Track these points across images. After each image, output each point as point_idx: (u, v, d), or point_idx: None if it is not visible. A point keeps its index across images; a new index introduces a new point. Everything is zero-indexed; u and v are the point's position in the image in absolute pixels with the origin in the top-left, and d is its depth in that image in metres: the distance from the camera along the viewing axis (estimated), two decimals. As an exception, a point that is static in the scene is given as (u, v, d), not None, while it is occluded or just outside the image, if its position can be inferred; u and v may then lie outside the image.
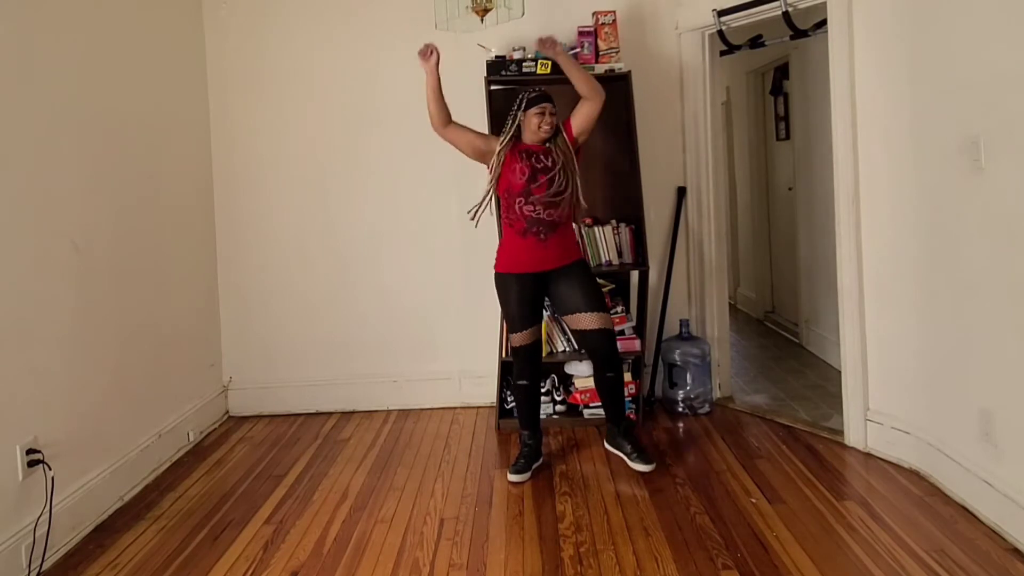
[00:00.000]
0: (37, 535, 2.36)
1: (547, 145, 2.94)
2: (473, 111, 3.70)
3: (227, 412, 3.94)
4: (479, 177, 3.16)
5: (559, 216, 2.91)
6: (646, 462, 2.91)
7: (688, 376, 3.65)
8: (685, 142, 3.84)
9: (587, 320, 2.93)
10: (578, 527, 2.52)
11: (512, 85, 3.68)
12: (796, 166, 4.81)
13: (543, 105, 2.89)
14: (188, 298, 3.61)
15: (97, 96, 2.91)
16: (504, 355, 3.52)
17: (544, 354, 3.27)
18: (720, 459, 3.07)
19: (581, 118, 2.97)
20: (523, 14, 3.14)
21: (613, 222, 3.64)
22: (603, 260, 3.59)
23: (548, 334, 3.56)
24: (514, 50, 3.59)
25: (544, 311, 3.20)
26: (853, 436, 3.13)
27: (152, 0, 3.40)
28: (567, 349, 3.59)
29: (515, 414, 3.24)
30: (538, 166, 2.89)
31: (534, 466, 3.01)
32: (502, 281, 3.01)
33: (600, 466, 3.03)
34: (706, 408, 3.66)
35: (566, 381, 3.70)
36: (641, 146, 3.58)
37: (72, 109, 2.74)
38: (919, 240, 2.77)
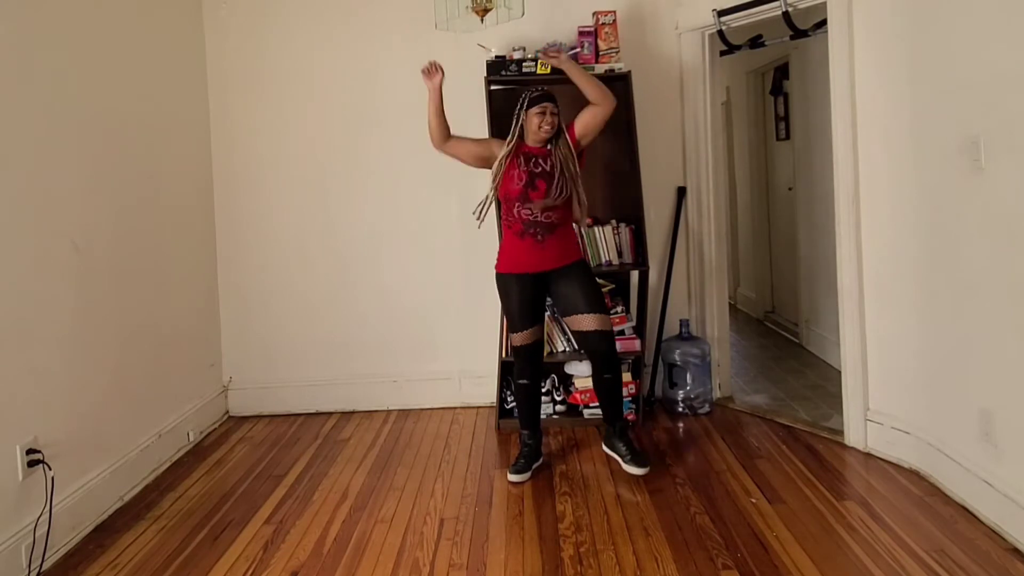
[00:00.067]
0: (37, 535, 2.36)
1: (548, 147, 2.93)
2: (473, 111, 3.70)
3: (227, 412, 3.94)
4: (479, 177, 3.16)
5: (557, 218, 2.91)
6: (639, 465, 2.89)
7: (688, 376, 3.65)
8: (685, 142, 3.84)
9: (586, 321, 2.93)
10: (578, 527, 2.52)
11: (512, 85, 3.68)
12: (796, 166, 4.81)
13: (544, 104, 2.88)
14: (188, 298, 3.61)
15: (97, 96, 2.91)
16: (504, 355, 3.52)
17: (544, 354, 3.27)
18: (720, 459, 3.07)
19: (586, 122, 2.94)
20: (523, 14, 3.14)
21: (613, 222, 3.64)
22: (603, 260, 3.59)
23: (548, 334, 3.56)
24: (514, 50, 3.59)
25: (547, 311, 3.20)
26: (853, 436, 3.13)
27: (152, 0, 3.40)
28: (567, 349, 3.59)
29: (515, 414, 3.25)
30: (536, 171, 2.88)
31: (534, 466, 3.01)
32: (503, 281, 3.01)
33: (600, 466, 3.03)
34: (706, 408, 3.66)
35: (566, 381, 3.70)
36: (641, 146, 3.59)
37: (72, 109, 2.74)
38: (919, 240, 2.77)
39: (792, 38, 3.52)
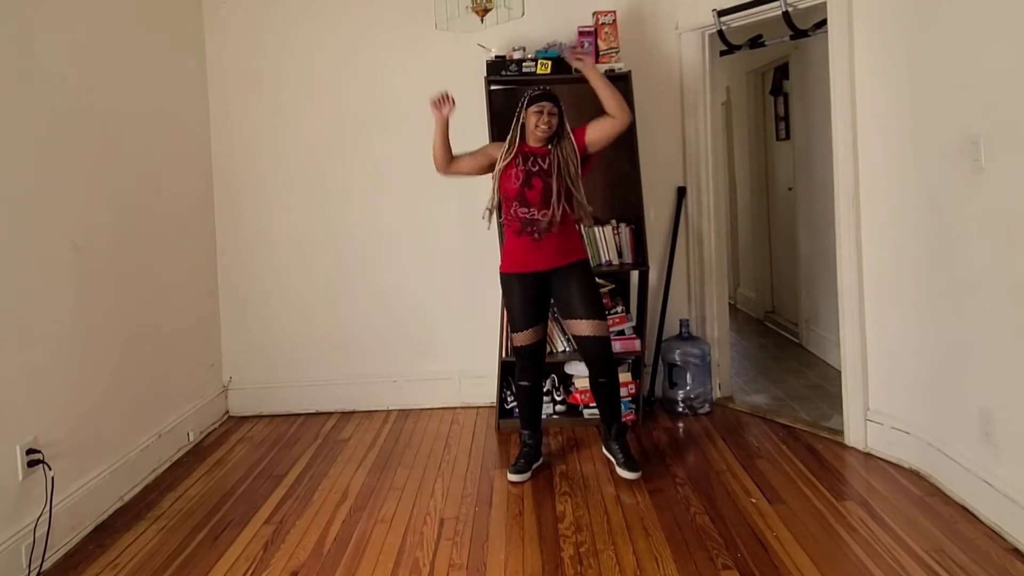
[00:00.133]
0: (37, 535, 2.36)
1: (548, 147, 2.92)
2: (473, 111, 3.70)
3: (227, 412, 3.94)
4: (478, 177, 3.15)
5: (554, 217, 2.87)
6: (630, 469, 2.88)
7: (688, 376, 3.65)
8: (685, 142, 3.84)
9: (583, 327, 2.91)
10: (578, 527, 2.52)
11: (512, 85, 3.69)
12: (796, 166, 4.81)
13: (542, 104, 2.87)
14: (188, 298, 3.61)
15: (97, 96, 2.91)
16: (504, 355, 3.52)
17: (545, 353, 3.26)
18: (720, 459, 3.07)
19: (598, 131, 2.90)
20: (523, 14, 3.14)
21: (613, 222, 3.64)
22: (603, 260, 3.60)
23: (549, 334, 3.56)
24: (514, 50, 3.59)
25: (550, 312, 3.18)
26: (853, 436, 3.13)
27: (152, 0, 3.40)
28: (567, 349, 3.59)
29: (515, 414, 3.25)
30: (533, 169, 2.87)
31: (534, 466, 3.01)
32: (505, 281, 3.02)
33: (600, 466, 3.03)
34: (706, 408, 3.66)
35: (566, 381, 3.69)
36: (641, 146, 3.58)
37: (72, 109, 2.74)
38: (919, 240, 2.77)
39: (792, 38, 3.52)
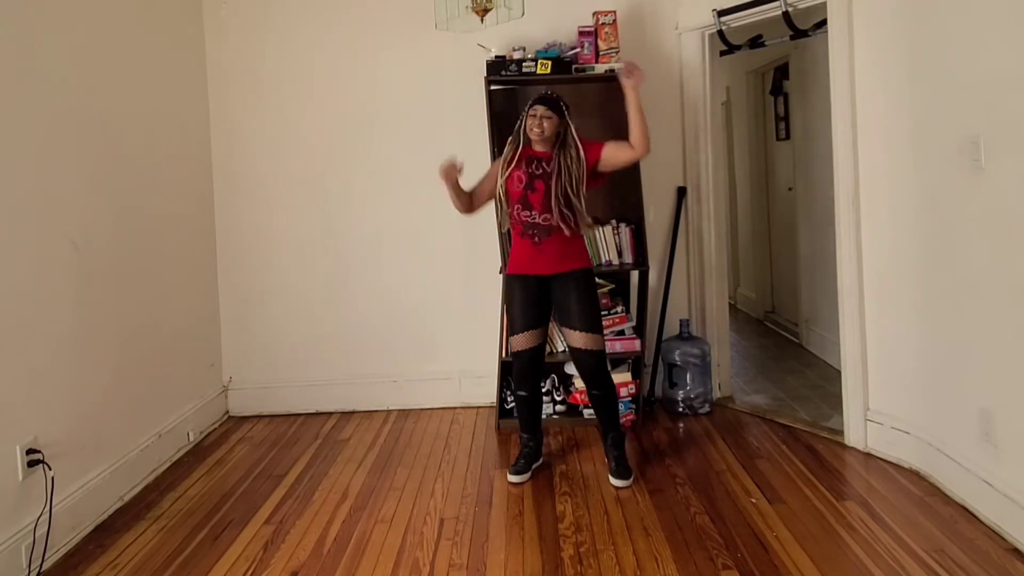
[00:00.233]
0: (37, 535, 2.36)
1: (554, 151, 2.88)
2: (473, 111, 3.71)
3: (227, 412, 3.94)
4: (479, 176, 3.15)
5: (556, 221, 2.85)
6: (621, 477, 2.85)
7: (688, 376, 3.65)
8: (685, 142, 3.84)
9: (577, 339, 2.89)
10: (578, 527, 2.52)
11: (512, 85, 3.69)
12: (796, 166, 4.81)
13: (535, 107, 2.85)
14: (188, 298, 3.61)
15: (97, 96, 2.91)
16: (504, 355, 3.52)
17: (545, 354, 3.25)
18: (720, 459, 3.07)
19: (614, 153, 2.85)
20: (523, 14, 3.14)
21: (613, 222, 3.64)
22: (603, 260, 3.59)
23: (549, 335, 3.55)
24: (514, 50, 3.59)
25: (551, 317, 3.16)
26: (853, 436, 3.13)
27: (152, 0, 3.40)
28: (567, 350, 3.59)
29: (515, 414, 3.24)
30: (537, 172, 2.86)
31: (534, 466, 3.01)
32: (507, 282, 3.03)
33: (600, 466, 3.02)
34: (706, 408, 3.66)
35: (566, 381, 3.70)
36: (641, 146, 3.58)
37: (72, 109, 2.74)
38: (919, 240, 2.77)
39: (792, 38, 3.52)
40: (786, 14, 3.30)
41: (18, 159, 2.43)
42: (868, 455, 3.04)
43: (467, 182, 2.97)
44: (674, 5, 3.80)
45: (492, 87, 3.62)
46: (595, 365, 2.91)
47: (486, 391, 3.86)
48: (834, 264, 3.20)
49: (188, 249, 3.64)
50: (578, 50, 3.60)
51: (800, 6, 3.28)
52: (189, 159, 3.71)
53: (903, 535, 2.37)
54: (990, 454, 2.42)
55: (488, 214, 3.17)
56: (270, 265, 3.93)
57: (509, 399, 3.60)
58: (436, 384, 3.93)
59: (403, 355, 3.94)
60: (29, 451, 2.38)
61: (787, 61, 4.87)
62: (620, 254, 3.62)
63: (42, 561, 2.36)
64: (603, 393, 2.94)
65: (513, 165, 2.90)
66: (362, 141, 3.91)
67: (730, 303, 5.33)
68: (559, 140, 2.87)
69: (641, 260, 3.59)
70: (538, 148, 2.91)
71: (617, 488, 2.83)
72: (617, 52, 3.59)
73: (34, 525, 2.36)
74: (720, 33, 3.65)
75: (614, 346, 3.47)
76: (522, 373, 3.00)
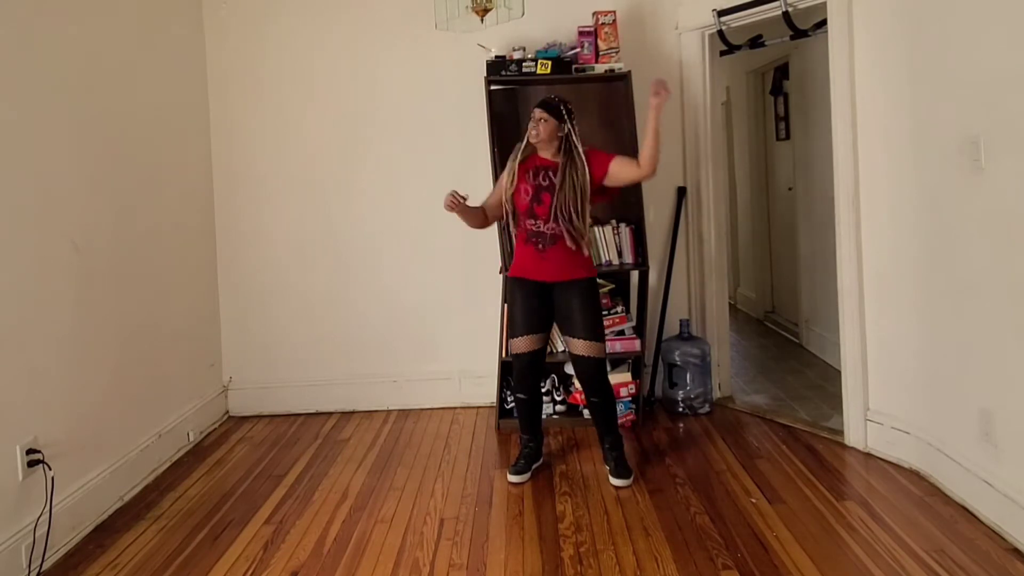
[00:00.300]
0: (37, 535, 2.36)
1: (560, 160, 2.85)
2: (473, 111, 3.71)
3: (227, 412, 3.94)
4: (480, 178, 3.15)
5: (560, 230, 2.83)
6: (620, 476, 2.86)
7: (688, 376, 3.65)
8: (685, 142, 3.84)
9: (578, 346, 2.89)
10: (578, 527, 2.52)
11: (512, 85, 3.69)
12: (796, 166, 4.81)
13: (534, 111, 2.85)
14: (188, 298, 3.61)
15: (97, 96, 2.91)
16: (504, 355, 3.52)
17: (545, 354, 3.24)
18: (720, 459, 3.07)
19: (620, 170, 2.83)
20: (523, 14, 3.14)
21: (613, 222, 3.64)
22: (603, 260, 3.59)
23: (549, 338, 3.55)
24: (514, 50, 3.59)
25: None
26: (853, 436, 3.13)
27: (152, 1, 3.40)
28: (568, 354, 3.59)
29: (515, 414, 3.24)
30: (543, 184, 2.85)
31: (534, 466, 3.01)
32: (510, 285, 3.03)
33: (600, 466, 3.02)
34: (706, 408, 3.66)
35: (566, 381, 3.70)
36: (641, 146, 3.57)
37: (72, 109, 2.74)
38: (919, 240, 2.77)
39: (792, 38, 3.52)
40: (786, 14, 3.31)
41: (18, 159, 2.43)
42: (868, 455, 3.04)
43: (464, 186, 2.96)
44: (674, 5, 3.80)
45: (492, 87, 3.62)
46: (595, 373, 2.91)
47: (486, 391, 3.86)
48: (834, 264, 3.20)
49: (188, 249, 3.64)
50: (578, 50, 3.60)
51: (800, 6, 3.28)
52: (189, 159, 3.71)
53: (903, 535, 2.37)
54: (990, 454, 2.42)
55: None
56: (270, 265, 3.93)
57: (509, 399, 3.60)
58: (436, 384, 3.93)
59: (403, 355, 3.94)
60: (29, 451, 2.38)
61: (787, 61, 4.87)
62: (620, 254, 3.62)
63: (42, 561, 2.36)
64: (601, 400, 2.93)
65: (518, 175, 2.89)
66: (362, 141, 3.91)
67: (730, 303, 5.33)
68: (563, 146, 2.84)
69: (641, 260, 3.59)
70: (544, 155, 2.90)
71: (617, 488, 2.83)
72: (617, 52, 3.59)
73: (34, 525, 2.36)
74: (720, 33, 3.65)
75: (614, 346, 3.47)
76: (522, 375, 3.00)
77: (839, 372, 3.26)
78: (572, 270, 2.87)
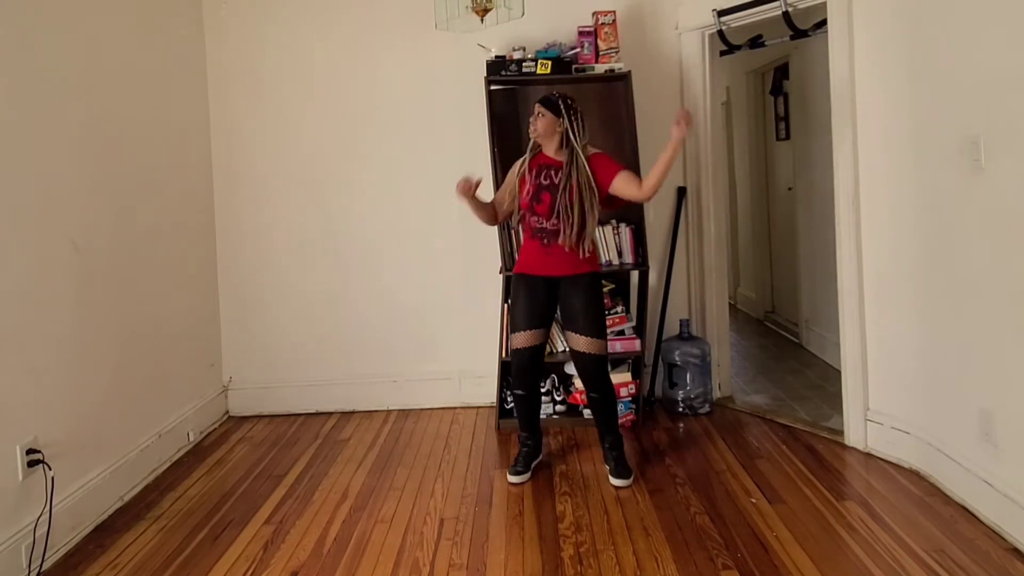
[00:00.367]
0: (37, 535, 2.36)
1: (564, 159, 2.85)
2: (473, 111, 3.71)
3: (227, 412, 3.94)
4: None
5: (563, 227, 2.83)
6: (620, 476, 2.86)
7: (688, 376, 3.65)
8: (685, 142, 3.83)
9: (579, 342, 2.89)
10: (578, 527, 2.52)
11: (512, 85, 3.69)
12: (796, 166, 4.81)
13: (534, 106, 2.88)
14: (188, 298, 3.61)
15: (97, 96, 2.91)
16: (504, 355, 3.52)
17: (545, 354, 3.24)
18: (720, 459, 3.07)
19: (622, 186, 2.82)
20: (523, 14, 3.14)
21: (613, 222, 3.64)
22: (603, 260, 3.59)
23: (550, 336, 3.55)
24: (514, 50, 3.59)
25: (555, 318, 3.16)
26: (853, 436, 3.13)
27: (152, 1, 3.40)
28: (567, 349, 3.59)
29: (515, 414, 3.24)
30: (545, 183, 2.86)
31: (534, 464, 3.01)
32: (514, 281, 3.03)
33: (600, 466, 3.02)
34: (706, 408, 3.66)
35: (566, 381, 3.70)
36: (641, 146, 3.58)
37: (72, 109, 2.74)
38: (919, 240, 2.77)
39: (792, 38, 3.52)
40: (786, 14, 3.31)
41: (18, 159, 2.43)
42: (868, 455, 3.04)
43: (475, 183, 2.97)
44: (674, 5, 3.80)
45: (492, 87, 3.62)
46: (596, 369, 2.91)
47: (486, 391, 3.86)
48: (834, 264, 3.20)
49: (188, 249, 3.64)
50: (578, 50, 3.60)
51: (800, 6, 3.28)
52: (189, 159, 3.71)
53: (903, 535, 2.37)
54: (990, 454, 2.42)
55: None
56: (270, 265, 3.93)
57: (509, 399, 3.60)
58: (436, 384, 3.93)
59: (403, 355, 3.94)
60: (29, 451, 2.38)
61: (787, 61, 4.87)
62: (620, 254, 3.62)
63: (42, 561, 2.36)
64: (601, 397, 2.93)
65: (524, 173, 2.92)
66: (362, 141, 3.91)
67: (730, 303, 5.33)
68: (564, 143, 2.85)
69: (641, 260, 3.59)
70: (548, 152, 2.91)
71: (617, 488, 2.83)
72: (617, 52, 3.59)
73: (34, 525, 2.36)
74: (720, 33, 3.65)
75: (614, 346, 3.47)
76: (520, 371, 2.99)
77: (839, 372, 3.26)
78: (577, 264, 2.89)
